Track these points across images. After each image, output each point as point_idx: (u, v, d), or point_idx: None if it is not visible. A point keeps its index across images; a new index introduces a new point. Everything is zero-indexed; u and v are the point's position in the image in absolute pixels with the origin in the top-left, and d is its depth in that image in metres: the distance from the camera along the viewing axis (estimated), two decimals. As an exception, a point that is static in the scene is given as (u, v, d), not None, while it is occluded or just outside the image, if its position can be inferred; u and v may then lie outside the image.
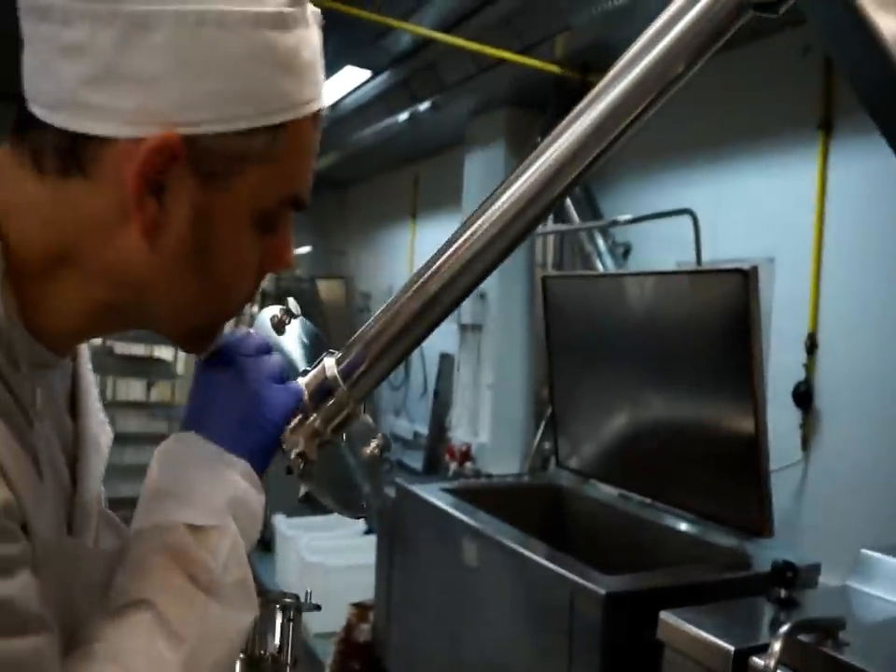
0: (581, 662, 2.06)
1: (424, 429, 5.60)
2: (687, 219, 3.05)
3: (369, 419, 0.80)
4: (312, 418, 0.70)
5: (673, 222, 3.16)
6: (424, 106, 4.61)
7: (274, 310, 0.78)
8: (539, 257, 4.18)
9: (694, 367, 2.54)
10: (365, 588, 3.53)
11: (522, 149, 4.25)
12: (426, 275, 0.72)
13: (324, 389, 0.72)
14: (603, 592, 2.00)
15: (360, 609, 3.58)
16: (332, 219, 7.94)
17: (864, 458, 2.78)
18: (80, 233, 0.63)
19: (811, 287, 2.99)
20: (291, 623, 0.81)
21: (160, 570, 0.64)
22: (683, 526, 2.74)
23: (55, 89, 0.60)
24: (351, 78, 4.92)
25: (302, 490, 0.71)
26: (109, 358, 6.02)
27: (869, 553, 1.90)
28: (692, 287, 2.56)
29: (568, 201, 3.81)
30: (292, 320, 0.79)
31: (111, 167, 0.61)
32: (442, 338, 4.79)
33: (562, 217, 3.89)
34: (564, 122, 0.69)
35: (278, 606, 0.81)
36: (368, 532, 4.64)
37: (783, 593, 1.77)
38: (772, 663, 1.39)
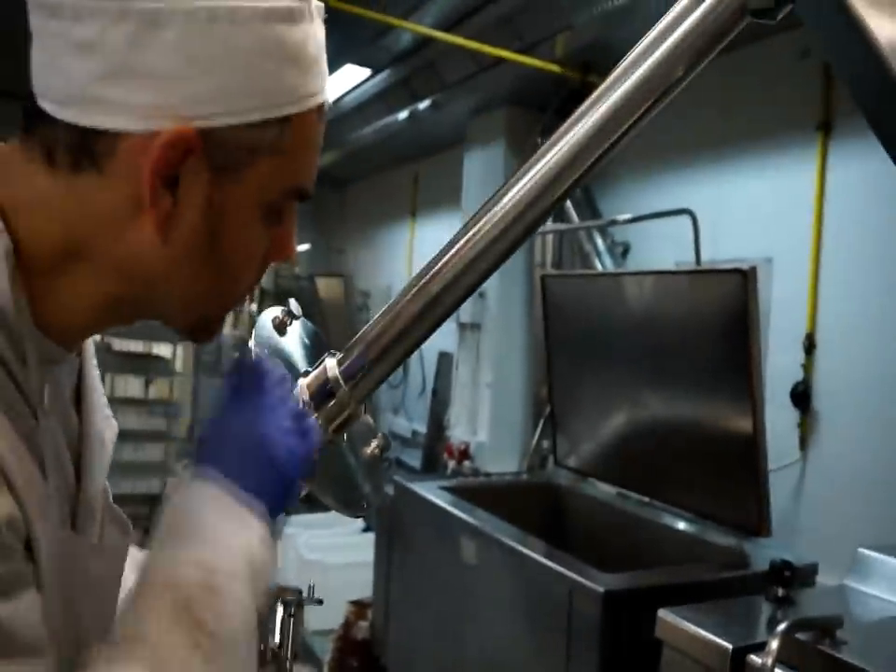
0: (579, 659, 2.07)
1: (422, 428, 5.61)
2: (686, 219, 3.05)
3: (369, 419, 0.80)
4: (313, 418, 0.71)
5: (672, 222, 3.17)
6: (424, 105, 4.61)
7: (276, 311, 0.79)
8: (539, 256, 4.19)
9: (693, 366, 2.55)
10: (363, 586, 3.54)
11: (522, 149, 4.26)
12: (427, 276, 0.72)
13: (325, 390, 0.72)
14: (601, 590, 2.00)
15: (359, 606, 3.59)
16: (332, 217, 7.94)
17: (862, 458, 2.79)
18: (92, 228, 0.63)
19: (809, 287, 2.99)
20: (292, 619, 0.82)
21: (164, 626, 0.61)
22: (681, 525, 2.75)
23: (66, 85, 0.60)
24: (351, 77, 4.92)
25: (304, 489, 0.72)
26: (107, 355, 6.02)
27: (866, 552, 1.91)
28: (690, 287, 2.57)
29: (568, 200, 3.81)
30: (294, 321, 0.79)
31: (124, 162, 0.61)
32: (441, 337, 4.79)
33: (561, 216, 3.89)
34: (566, 124, 0.69)
35: (280, 600, 0.82)
36: (366, 530, 4.65)
37: (781, 592, 1.78)
38: (770, 661, 1.39)
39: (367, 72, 4.79)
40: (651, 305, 2.71)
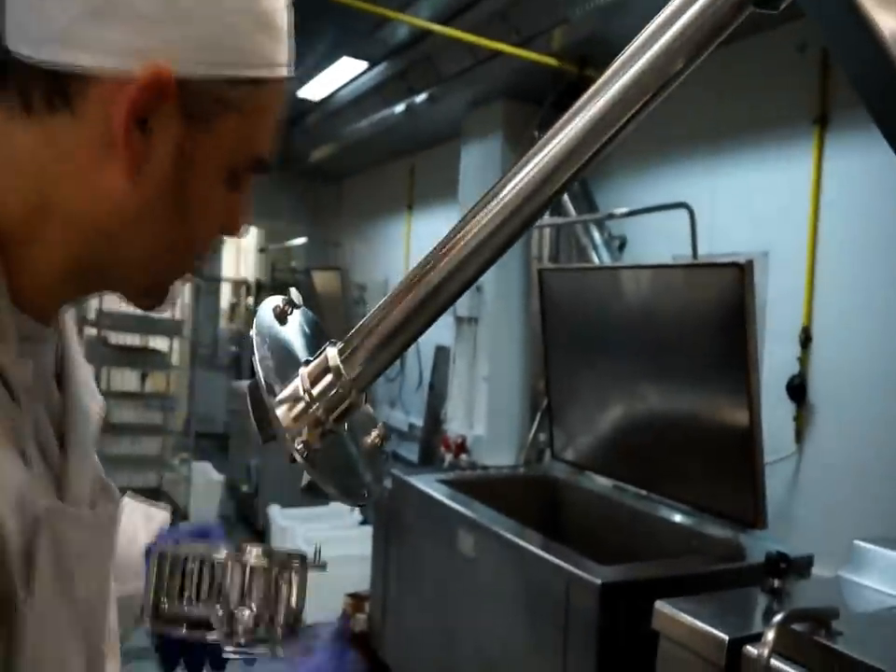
0: (576, 651, 2.08)
1: (419, 421, 5.62)
2: (683, 213, 3.06)
3: (369, 409, 0.80)
4: (314, 407, 0.71)
5: (668, 216, 3.17)
6: (420, 98, 4.61)
7: (277, 300, 0.79)
8: (536, 250, 4.19)
9: (689, 360, 2.56)
10: (361, 579, 3.55)
11: (518, 142, 4.26)
12: (427, 266, 0.72)
13: (326, 379, 0.72)
14: (598, 582, 2.01)
15: (356, 599, 3.60)
16: (328, 211, 7.94)
17: (857, 451, 2.80)
18: (61, 176, 0.64)
19: (806, 281, 3.00)
20: (296, 583, 0.82)
21: None
22: (678, 518, 2.76)
23: (43, 25, 0.61)
24: (347, 70, 4.91)
25: (305, 479, 0.72)
26: (104, 348, 6.01)
27: (862, 544, 1.92)
28: (687, 281, 2.57)
29: (565, 194, 3.81)
30: (294, 310, 0.79)
31: (98, 103, 0.62)
32: (438, 330, 4.80)
33: (558, 210, 3.89)
34: (564, 117, 0.69)
35: (283, 566, 0.81)
36: (363, 523, 4.66)
37: (777, 583, 1.79)
38: (766, 652, 1.40)
39: (363, 65, 4.79)
40: (648, 299, 2.71)
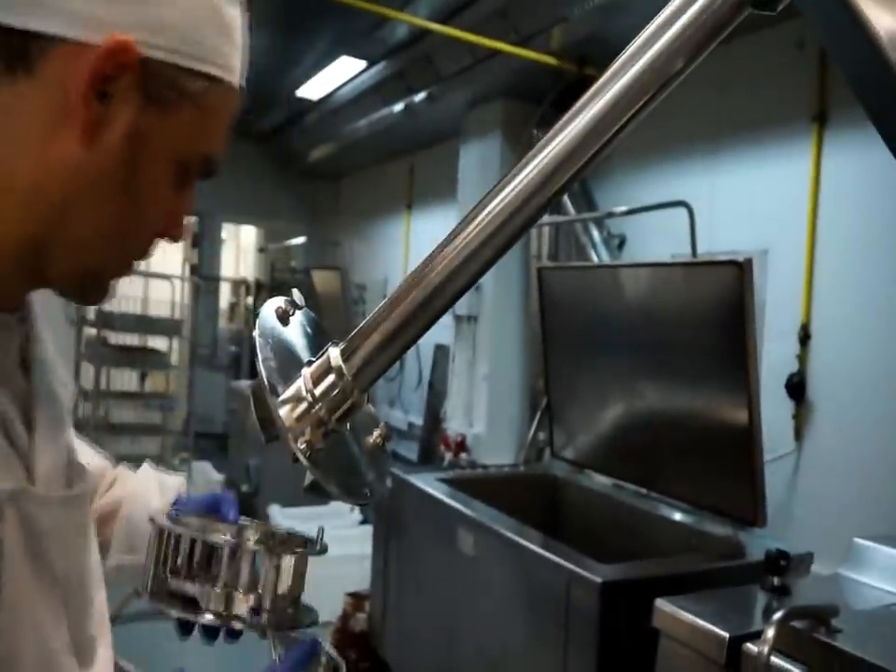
0: (576, 649, 2.08)
1: (418, 420, 5.62)
2: (682, 211, 3.06)
3: (371, 409, 0.81)
4: (317, 407, 0.71)
5: (667, 214, 3.18)
6: (419, 97, 4.61)
7: (279, 301, 0.79)
8: (535, 248, 4.20)
9: (689, 358, 2.56)
10: (361, 578, 3.55)
11: (518, 141, 4.26)
12: (429, 266, 0.72)
13: (329, 379, 0.72)
14: (599, 580, 2.02)
15: (356, 598, 3.60)
16: (327, 210, 7.94)
17: (856, 449, 2.81)
18: (15, 141, 0.65)
19: (805, 278, 3.01)
20: (293, 567, 0.82)
21: None
22: (677, 516, 2.76)
23: None
24: (346, 69, 4.91)
25: (308, 478, 0.72)
26: (103, 349, 6.01)
27: (862, 541, 1.93)
28: (686, 279, 2.58)
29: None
30: (296, 311, 0.80)
31: (57, 68, 0.63)
32: (437, 329, 4.77)
33: (557, 208, 3.90)
34: (565, 117, 0.69)
35: (280, 549, 0.82)
36: (363, 522, 4.66)
37: (776, 581, 1.79)
38: (766, 649, 1.41)
39: (362, 64, 4.79)
40: (648, 297, 2.72)
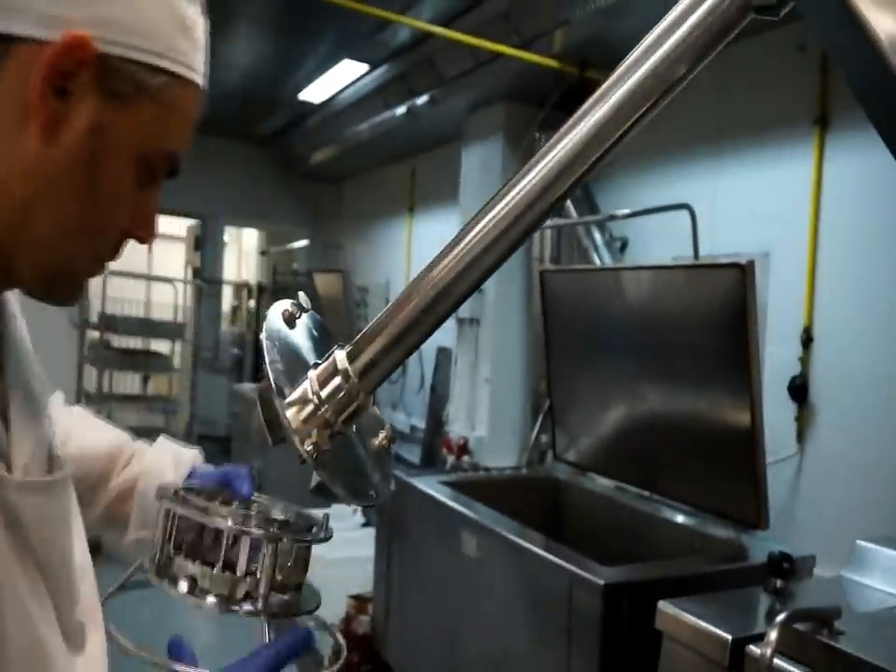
0: (579, 652, 2.08)
1: (420, 423, 5.62)
2: (684, 214, 3.06)
3: (377, 411, 0.81)
4: (323, 409, 0.72)
5: (669, 216, 3.18)
6: (422, 100, 4.62)
7: (285, 304, 0.80)
8: (537, 251, 4.20)
9: (691, 360, 2.56)
10: (363, 581, 3.55)
11: (520, 144, 4.27)
12: (433, 270, 0.73)
13: (335, 381, 0.73)
14: (601, 582, 2.02)
15: (359, 601, 3.60)
16: (329, 213, 7.95)
17: (859, 451, 2.81)
18: None
19: (807, 281, 3.01)
20: (294, 553, 0.82)
21: None
22: (680, 519, 2.76)
23: None
24: (349, 72, 4.93)
25: (315, 479, 0.73)
26: (106, 352, 6.03)
27: (865, 544, 1.93)
28: (689, 281, 2.58)
29: (566, 195, 3.82)
30: (302, 314, 0.80)
31: (20, 67, 0.64)
32: (440, 332, 4.76)
33: (559, 211, 3.90)
34: (569, 122, 0.70)
35: (281, 535, 0.82)
36: (365, 525, 4.66)
37: (779, 583, 1.80)
38: (769, 651, 1.41)
39: (364, 67, 4.80)
40: (650, 300, 2.72)
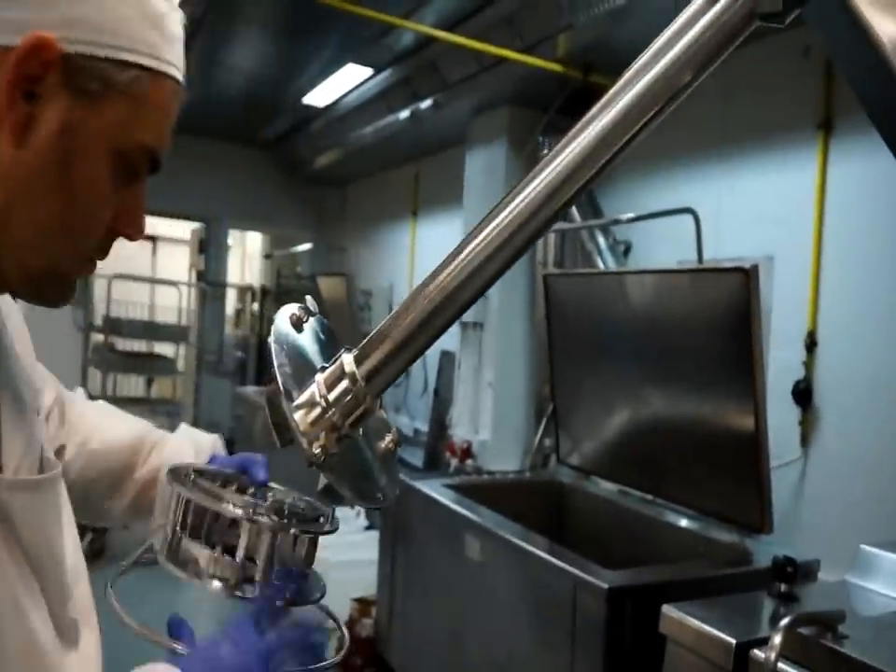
0: (583, 655, 2.08)
1: (424, 426, 5.62)
2: (687, 218, 3.06)
3: (383, 414, 0.82)
4: (331, 412, 0.73)
5: (673, 220, 3.18)
6: (425, 104, 4.62)
7: (293, 308, 0.81)
8: (541, 255, 4.20)
9: (695, 364, 2.57)
10: (367, 584, 3.56)
11: (523, 148, 4.27)
12: (440, 275, 0.74)
13: (342, 385, 0.74)
14: (605, 586, 2.02)
15: (362, 603, 3.61)
16: (333, 216, 7.96)
17: (863, 456, 2.80)
18: None
19: (811, 285, 3.01)
20: (299, 544, 0.83)
21: None
22: (684, 523, 2.77)
23: None
24: (353, 76, 4.93)
25: (322, 482, 0.73)
26: (110, 354, 6.04)
27: (869, 548, 1.93)
28: (692, 286, 2.58)
29: (569, 199, 3.82)
30: (310, 318, 0.81)
31: None
32: (443, 336, 4.80)
33: (563, 215, 3.88)
34: (575, 128, 0.70)
35: (285, 525, 0.82)
36: (369, 528, 4.66)
37: (783, 587, 1.80)
38: (773, 655, 1.41)
39: (368, 71, 4.81)
40: (654, 304, 2.72)
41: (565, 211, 0.73)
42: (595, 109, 0.69)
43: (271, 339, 0.75)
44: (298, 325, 0.80)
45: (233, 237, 9.58)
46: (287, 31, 4.54)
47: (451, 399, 4.97)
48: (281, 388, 0.72)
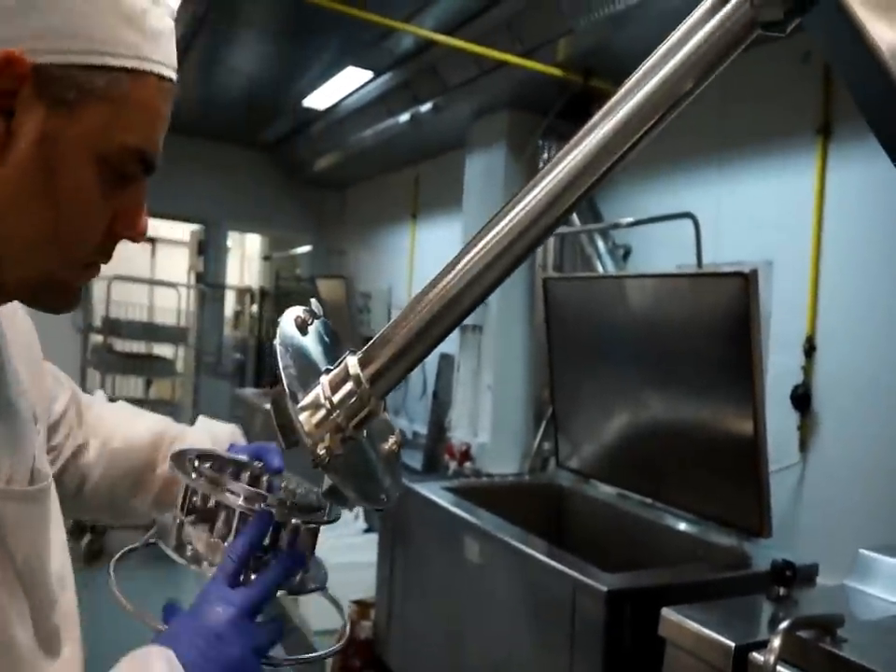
0: (582, 658, 2.09)
1: (423, 429, 5.62)
2: (687, 222, 3.07)
3: (387, 416, 0.82)
4: (335, 414, 0.73)
5: (672, 225, 3.19)
6: (425, 108, 4.63)
7: (298, 310, 0.81)
8: (540, 258, 4.21)
9: (694, 369, 2.57)
10: (366, 586, 3.56)
11: (523, 152, 4.28)
12: (444, 279, 0.74)
13: (347, 387, 0.74)
14: (604, 589, 2.02)
15: (361, 606, 3.61)
16: (332, 219, 7.97)
17: (861, 460, 2.81)
18: None
19: (810, 290, 3.02)
20: (300, 534, 0.83)
21: None
22: (683, 526, 2.77)
23: None
24: (352, 79, 4.94)
25: (327, 483, 0.74)
26: (109, 356, 6.04)
27: (867, 552, 1.93)
28: (692, 290, 2.59)
29: (569, 203, 3.83)
30: (314, 321, 0.82)
31: None
32: (443, 338, 4.80)
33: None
34: (576, 136, 0.71)
35: (286, 515, 0.83)
36: (368, 530, 4.67)
37: (782, 591, 1.80)
38: (772, 658, 1.41)
39: (368, 74, 4.82)
40: (653, 308, 2.73)
41: (565, 218, 0.74)
42: (596, 117, 0.70)
43: (276, 341, 0.76)
44: (303, 327, 0.80)
45: (233, 239, 9.58)
46: (287, 33, 4.55)
47: (450, 402, 4.97)
48: (286, 390, 0.73)
